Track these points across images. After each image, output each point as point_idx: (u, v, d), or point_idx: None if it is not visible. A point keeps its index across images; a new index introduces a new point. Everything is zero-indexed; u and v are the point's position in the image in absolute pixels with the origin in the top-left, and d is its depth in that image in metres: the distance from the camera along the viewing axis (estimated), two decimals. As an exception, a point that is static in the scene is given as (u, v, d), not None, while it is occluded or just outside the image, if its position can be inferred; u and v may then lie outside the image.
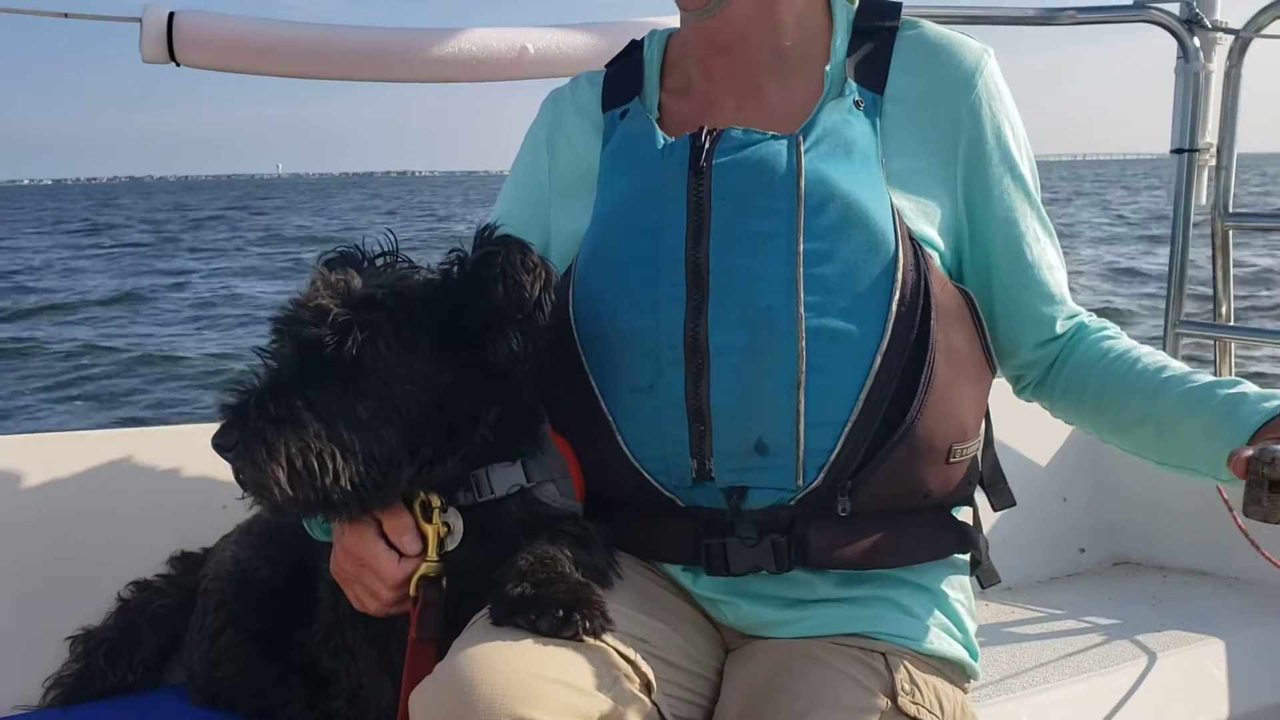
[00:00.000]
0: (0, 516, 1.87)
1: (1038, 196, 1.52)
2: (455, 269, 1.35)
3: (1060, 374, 1.51)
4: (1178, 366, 1.44)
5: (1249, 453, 1.19)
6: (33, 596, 1.85)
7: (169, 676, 1.83)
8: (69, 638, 1.80)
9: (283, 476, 1.23)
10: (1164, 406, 1.40)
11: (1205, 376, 1.42)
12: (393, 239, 1.41)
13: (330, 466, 1.24)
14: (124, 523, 1.94)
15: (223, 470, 1.95)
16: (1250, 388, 1.36)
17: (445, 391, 1.32)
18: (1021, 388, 1.58)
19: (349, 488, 1.26)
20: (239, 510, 1.83)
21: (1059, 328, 1.51)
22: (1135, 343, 1.51)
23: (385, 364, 1.27)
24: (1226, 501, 2.22)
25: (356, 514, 1.33)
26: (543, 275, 1.32)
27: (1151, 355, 1.47)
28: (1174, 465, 1.43)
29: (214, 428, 2.03)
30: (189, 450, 2.03)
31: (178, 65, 2.11)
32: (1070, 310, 1.53)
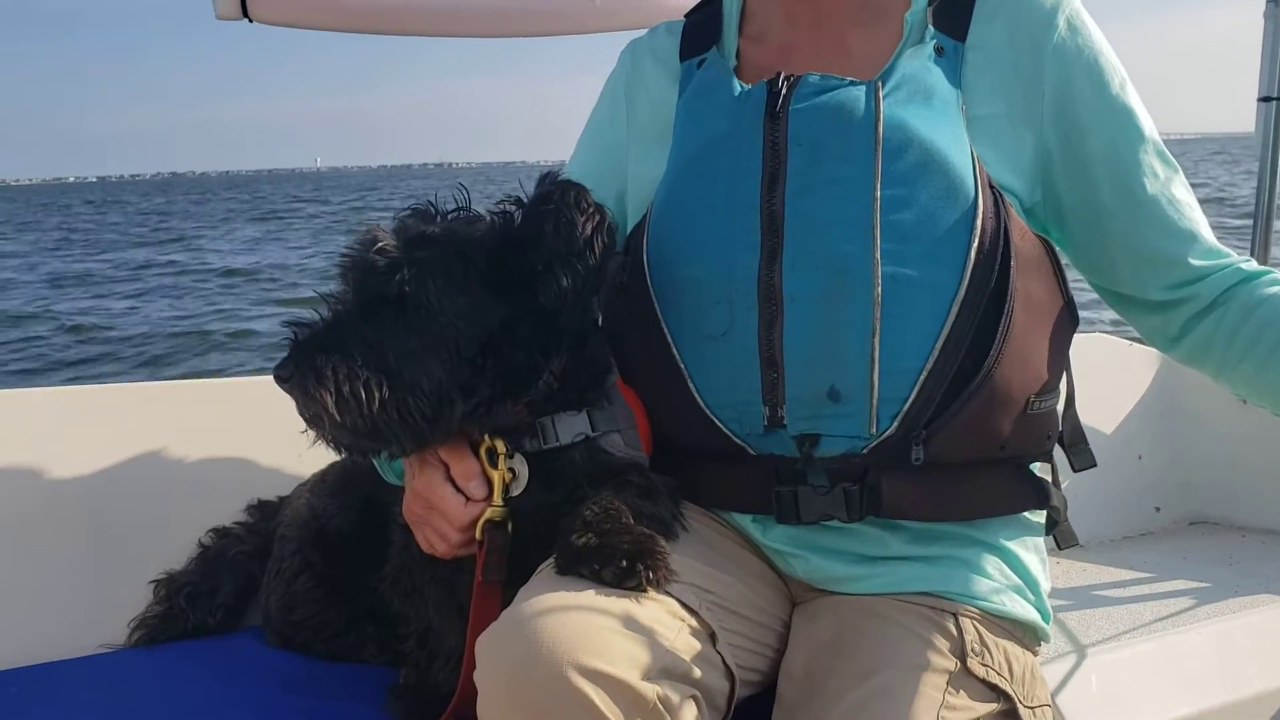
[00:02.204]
0: (86, 465, 1.94)
1: (1151, 130, 1.44)
2: (515, 212, 1.36)
3: (1232, 330, 1.41)
4: None
5: None
6: (118, 541, 1.92)
7: (247, 619, 1.89)
8: (152, 581, 1.87)
9: (330, 402, 1.26)
10: None
11: None
12: (466, 194, 1.42)
13: (376, 394, 1.27)
14: (204, 471, 2.00)
15: (298, 420, 2.01)
16: None
17: (500, 331, 1.33)
18: (1169, 341, 1.50)
19: (396, 416, 1.29)
20: (314, 459, 1.88)
21: (1196, 267, 1.43)
22: None
23: (434, 298, 1.30)
24: None
25: (411, 447, 1.35)
26: (596, 217, 1.33)
27: None
28: None
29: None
30: (266, 400, 2.07)
31: (250, 20, 2.13)
32: (1209, 248, 1.44)
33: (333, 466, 1.82)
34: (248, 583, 1.87)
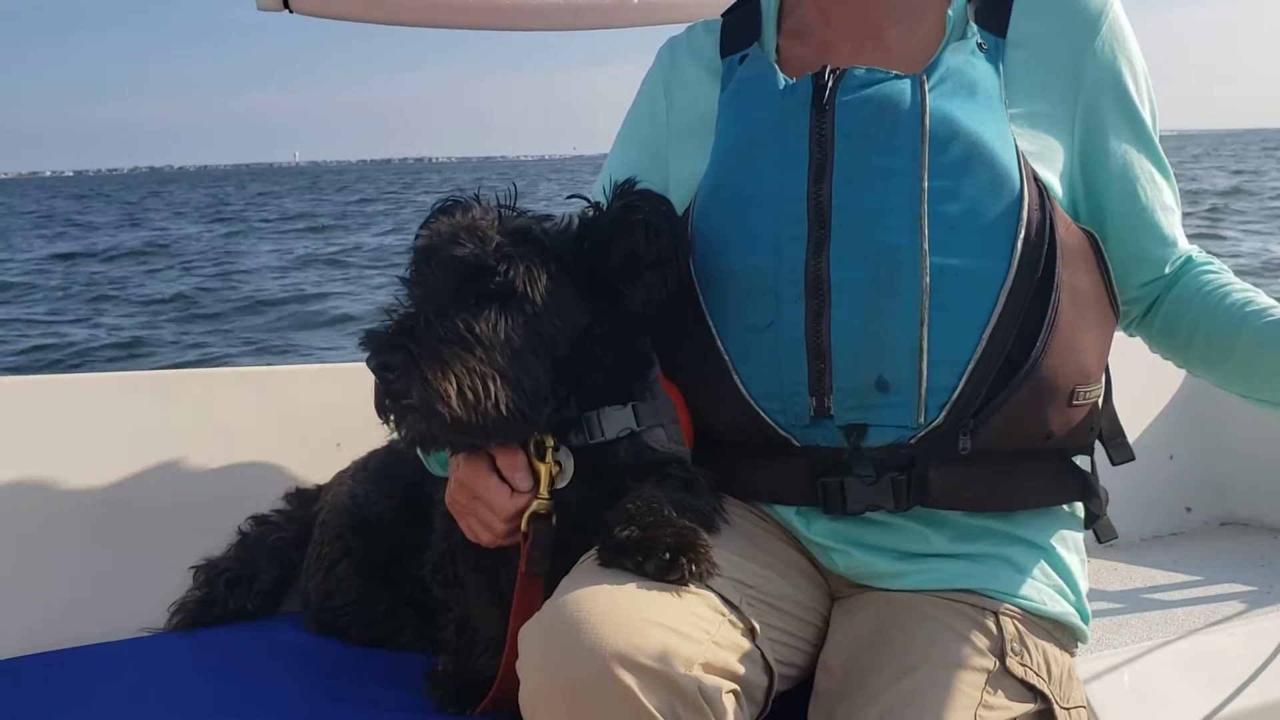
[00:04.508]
0: (128, 451, 1.96)
1: (1156, 138, 1.50)
2: (593, 217, 1.38)
3: (1160, 309, 1.52)
4: (1264, 300, 1.43)
5: None
6: (158, 528, 1.94)
7: (285, 606, 1.91)
8: (192, 567, 1.89)
9: (453, 395, 1.23)
10: (1245, 340, 1.40)
11: None
12: (513, 189, 1.43)
13: (492, 390, 1.26)
14: (243, 459, 2.02)
15: (337, 409, 2.03)
16: None
17: (583, 332, 1.35)
18: (1126, 324, 1.58)
19: (504, 414, 1.28)
20: (353, 448, 1.90)
21: (1167, 269, 1.51)
22: (1235, 278, 1.49)
23: (542, 295, 1.30)
24: None
25: (499, 443, 1.35)
26: (680, 226, 1.36)
27: (1244, 290, 1.46)
28: (1261, 400, 1.42)
29: (330, 368, 2.09)
30: (305, 390, 2.10)
31: (290, 12, 2.14)
32: (1181, 252, 1.52)
33: (374, 454, 1.83)
34: (286, 569, 1.89)
